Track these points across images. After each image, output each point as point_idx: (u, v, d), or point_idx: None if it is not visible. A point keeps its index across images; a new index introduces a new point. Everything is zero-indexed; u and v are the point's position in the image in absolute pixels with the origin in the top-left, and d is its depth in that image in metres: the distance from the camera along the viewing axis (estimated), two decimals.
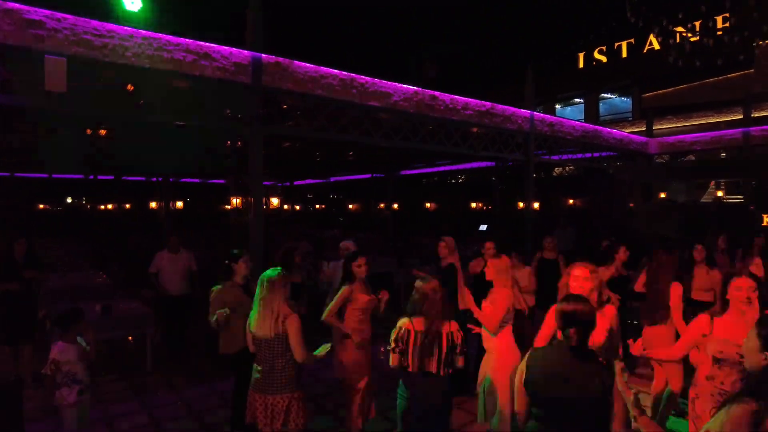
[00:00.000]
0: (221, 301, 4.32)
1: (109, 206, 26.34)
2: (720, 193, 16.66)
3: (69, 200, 33.72)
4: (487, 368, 4.22)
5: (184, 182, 25.94)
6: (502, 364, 4.11)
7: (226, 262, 4.85)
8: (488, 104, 10.97)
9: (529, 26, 31.68)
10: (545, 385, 2.42)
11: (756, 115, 17.93)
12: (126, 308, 6.95)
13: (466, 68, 33.01)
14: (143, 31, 6.74)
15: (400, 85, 9.42)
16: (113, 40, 6.51)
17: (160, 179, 22.72)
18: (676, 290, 4.45)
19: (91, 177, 24.54)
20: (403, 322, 3.48)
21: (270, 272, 3.42)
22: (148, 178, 24.49)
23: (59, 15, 6.15)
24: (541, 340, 3.55)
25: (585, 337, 2.46)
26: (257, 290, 3.39)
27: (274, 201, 8.01)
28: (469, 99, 10.59)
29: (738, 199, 17.09)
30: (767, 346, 1.96)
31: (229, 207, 22.85)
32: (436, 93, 10.05)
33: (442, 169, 22.12)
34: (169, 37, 6.92)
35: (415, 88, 9.67)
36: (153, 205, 15.58)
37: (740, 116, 17.40)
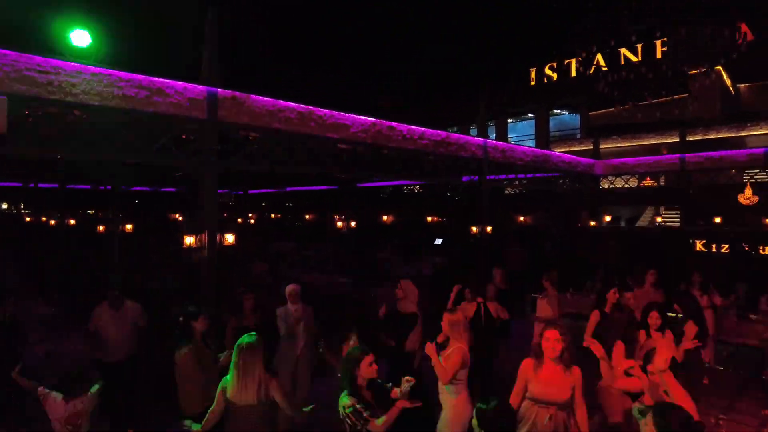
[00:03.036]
0: (196, 366, 4.15)
1: (51, 222, 24.78)
2: (659, 219, 17.72)
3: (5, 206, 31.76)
4: (441, 425, 4.37)
5: (135, 191, 25.00)
6: (455, 421, 4.27)
7: (181, 319, 4.72)
8: (443, 134, 11.22)
9: (484, 41, 32.30)
10: None
11: (691, 139, 19.31)
12: (71, 348, 6.68)
13: (424, 84, 33.29)
14: (92, 67, 6.50)
15: (358, 116, 9.49)
16: (59, 76, 6.25)
17: (109, 188, 21.69)
18: (619, 349, 4.65)
19: (31, 185, 23.27)
20: None
21: (247, 338, 3.44)
22: (95, 186, 23.41)
23: None
24: (515, 396, 3.76)
25: None
26: (234, 356, 3.37)
27: (230, 238, 7.76)
28: (425, 129, 10.79)
29: (675, 217, 18.20)
30: None
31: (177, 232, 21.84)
32: (394, 124, 10.19)
33: (399, 183, 22.44)
34: (121, 73, 6.71)
35: (373, 119, 9.77)
36: (101, 228, 14.84)
37: (678, 139, 18.60)
